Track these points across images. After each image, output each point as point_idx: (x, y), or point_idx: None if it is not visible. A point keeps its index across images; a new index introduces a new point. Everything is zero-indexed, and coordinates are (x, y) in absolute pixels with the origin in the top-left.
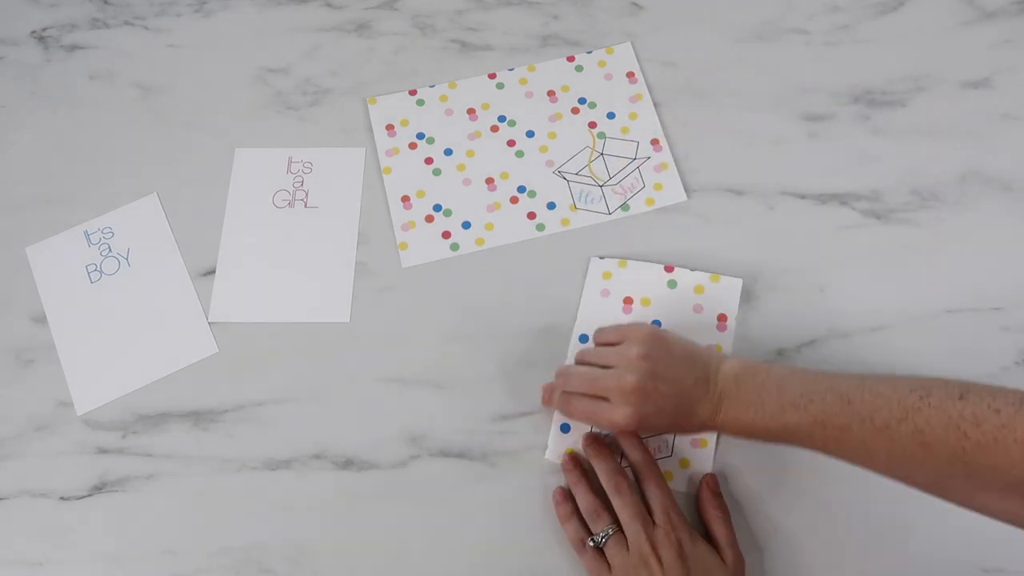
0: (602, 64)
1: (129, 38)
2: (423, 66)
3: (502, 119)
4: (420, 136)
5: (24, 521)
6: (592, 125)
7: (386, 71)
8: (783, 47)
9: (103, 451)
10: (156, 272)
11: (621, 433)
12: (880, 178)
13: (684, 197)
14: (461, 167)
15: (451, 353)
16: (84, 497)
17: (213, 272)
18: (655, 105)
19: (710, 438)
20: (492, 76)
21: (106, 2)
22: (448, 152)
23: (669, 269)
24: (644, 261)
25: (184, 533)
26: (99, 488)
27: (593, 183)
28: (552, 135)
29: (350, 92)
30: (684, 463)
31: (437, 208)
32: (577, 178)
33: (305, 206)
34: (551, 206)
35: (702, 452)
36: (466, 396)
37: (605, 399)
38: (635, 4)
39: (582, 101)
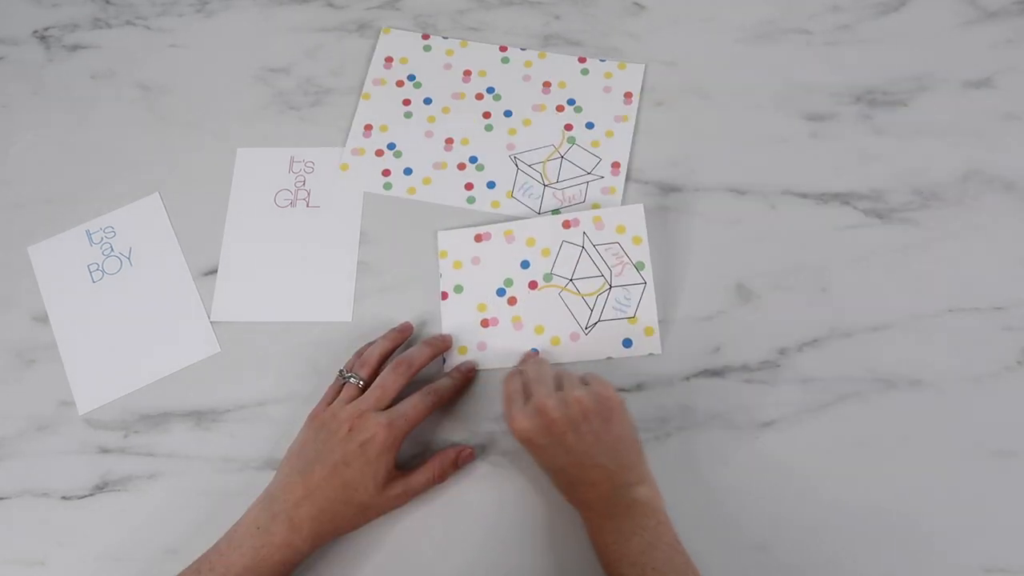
0: (608, 75)
1: (131, 38)
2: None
3: (491, 91)
4: (411, 78)
5: (26, 521)
6: (568, 127)
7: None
8: (784, 47)
9: (105, 451)
10: (158, 271)
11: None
12: (882, 177)
13: None
14: (431, 119)
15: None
16: (86, 497)
17: (215, 272)
18: (636, 131)
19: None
20: (503, 49)
21: (108, 2)
22: (427, 101)
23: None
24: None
25: (186, 533)
26: (101, 488)
27: (539, 180)
28: (527, 122)
29: (351, 92)
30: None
31: (391, 146)
32: (528, 170)
33: (307, 206)
34: (491, 185)
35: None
36: (467, 394)
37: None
38: (637, 4)
39: (571, 102)
